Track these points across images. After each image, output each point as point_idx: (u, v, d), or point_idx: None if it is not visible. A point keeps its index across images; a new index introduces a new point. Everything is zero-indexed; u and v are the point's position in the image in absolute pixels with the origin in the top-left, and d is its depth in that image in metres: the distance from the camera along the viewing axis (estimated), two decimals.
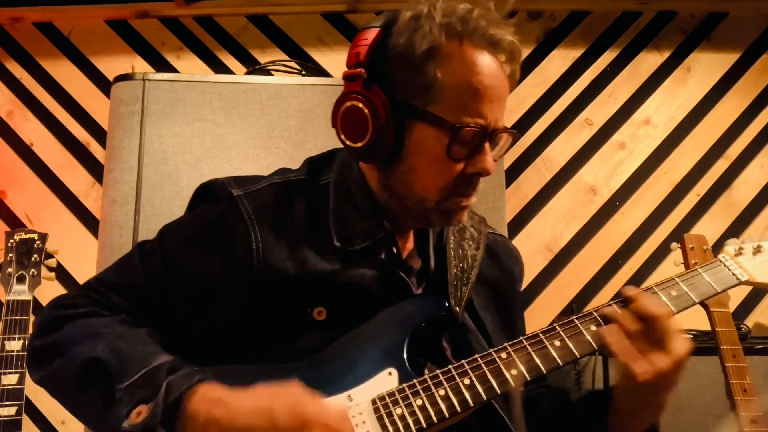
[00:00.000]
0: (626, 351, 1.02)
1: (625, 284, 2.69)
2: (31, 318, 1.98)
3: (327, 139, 2.04)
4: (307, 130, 2.05)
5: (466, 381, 1.02)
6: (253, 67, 2.65)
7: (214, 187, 1.18)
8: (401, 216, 1.17)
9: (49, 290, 2.49)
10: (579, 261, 2.73)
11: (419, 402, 0.99)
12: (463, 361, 1.04)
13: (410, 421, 0.98)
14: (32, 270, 2.04)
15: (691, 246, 1.82)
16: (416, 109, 1.06)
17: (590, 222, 2.75)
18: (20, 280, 2.01)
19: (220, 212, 1.13)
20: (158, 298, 1.11)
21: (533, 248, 2.70)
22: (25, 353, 1.15)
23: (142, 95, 2.01)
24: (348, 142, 1.12)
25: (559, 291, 2.69)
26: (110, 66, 2.80)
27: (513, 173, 2.75)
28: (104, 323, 1.06)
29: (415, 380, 1.02)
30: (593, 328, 1.07)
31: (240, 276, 1.09)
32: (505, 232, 2.13)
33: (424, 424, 0.97)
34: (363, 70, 1.07)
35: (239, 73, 2.75)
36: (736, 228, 2.71)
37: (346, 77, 1.11)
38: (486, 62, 1.06)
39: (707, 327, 1.82)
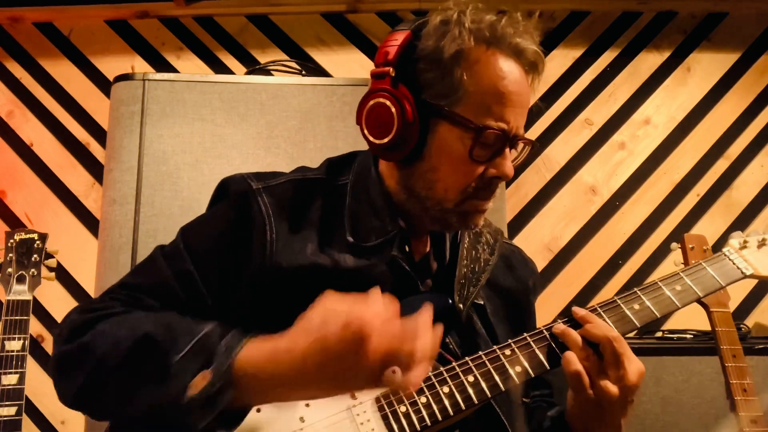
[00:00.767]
0: (577, 381, 1.03)
1: (625, 284, 2.70)
2: (31, 318, 1.97)
3: (327, 139, 2.05)
4: (307, 130, 2.05)
5: (470, 378, 1.02)
6: (253, 67, 2.65)
7: (234, 182, 1.18)
8: (418, 217, 1.18)
9: (49, 290, 2.50)
10: (579, 261, 2.73)
11: (423, 400, 1.00)
12: (467, 359, 1.05)
13: (414, 419, 0.98)
14: (32, 270, 2.03)
15: (691, 246, 1.82)
16: (442, 110, 1.08)
17: (590, 222, 2.75)
18: (20, 280, 2.01)
19: (240, 205, 1.14)
20: (188, 295, 1.10)
21: (533, 248, 2.70)
22: (51, 366, 1.04)
23: (142, 95, 2.01)
24: (372, 138, 1.13)
25: (559, 291, 2.69)
26: (110, 66, 2.80)
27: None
28: (141, 316, 1.03)
29: None
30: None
31: (253, 269, 1.09)
32: (505, 232, 2.13)
33: (428, 422, 0.98)
34: (391, 69, 1.10)
35: (239, 73, 2.75)
36: (736, 228, 2.66)
37: (374, 75, 1.13)
38: (511, 69, 1.09)
39: (707, 327, 1.81)
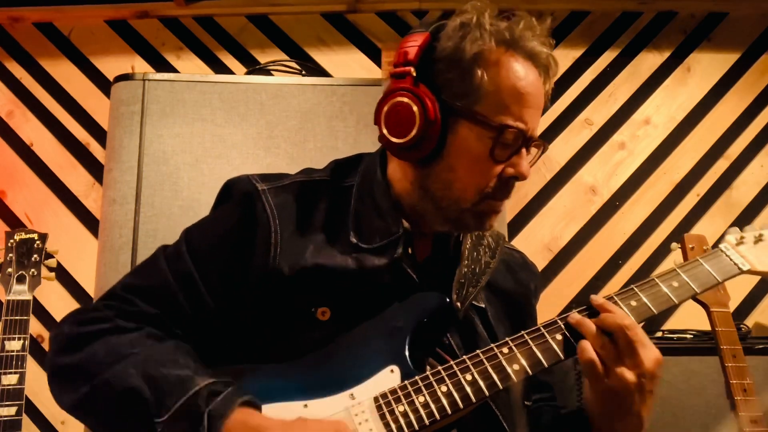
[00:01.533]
0: (592, 369, 1.03)
1: (625, 284, 2.69)
2: (31, 318, 1.97)
3: (327, 139, 2.05)
4: (307, 130, 2.05)
5: (468, 377, 1.02)
6: (253, 67, 2.65)
7: (239, 183, 1.19)
8: (428, 218, 1.18)
9: (49, 290, 2.51)
10: (579, 261, 2.73)
11: (421, 399, 0.99)
12: (464, 357, 1.05)
13: (413, 418, 0.98)
14: (32, 270, 2.03)
15: (691, 246, 1.82)
16: (462, 109, 1.09)
17: (590, 222, 2.75)
18: (20, 280, 2.01)
19: (245, 206, 1.14)
20: (188, 298, 1.10)
21: (533, 248, 2.70)
22: (47, 371, 1.09)
23: (142, 95, 2.01)
24: (391, 137, 1.13)
25: (559, 291, 2.69)
26: (110, 66, 2.80)
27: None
28: (131, 342, 1.04)
29: (417, 377, 1.02)
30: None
31: (257, 269, 1.10)
32: (505, 232, 2.13)
33: (426, 421, 0.98)
34: (413, 69, 1.10)
35: (239, 73, 2.75)
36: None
37: (394, 75, 1.13)
38: (528, 71, 1.11)
39: (707, 327, 1.81)
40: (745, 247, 1.23)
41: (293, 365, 1.06)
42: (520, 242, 2.68)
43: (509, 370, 1.03)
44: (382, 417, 0.98)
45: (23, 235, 2.07)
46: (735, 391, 1.69)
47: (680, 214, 2.74)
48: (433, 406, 0.99)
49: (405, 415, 0.98)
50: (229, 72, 2.80)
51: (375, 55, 2.84)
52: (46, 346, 2.62)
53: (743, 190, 2.76)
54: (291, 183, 1.19)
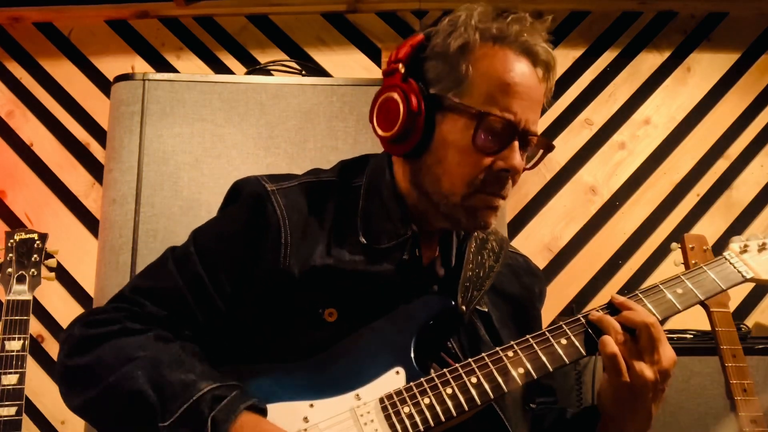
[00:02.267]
0: (614, 364, 1.05)
1: (625, 284, 2.70)
2: (31, 318, 1.97)
3: (327, 139, 2.05)
4: (307, 130, 2.05)
5: (473, 379, 1.03)
6: (253, 67, 2.65)
7: (248, 184, 1.19)
8: (429, 217, 1.18)
9: (49, 290, 2.51)
10: (579, 261, 2.73)
11: (427, 400, 1.00)
12: (470, 360, 1.05)
13: (418, 419, 0.98)
14: (32, 270, 2.03)
15: (691, 246, 1.82)
16: (447, 101, 1.10)
17: (590, 222, 2.75)
18: (20, 280, 2.01)
19: (254, 206, 1.14)
20: (197, 299, 1.10)
21: (533, 248, 2.70)
22: (57, 374, 1.11)
23: (142, 95, 2.01)
24: (380, 131, 1.15)
25: (559, 291, 2.69)
26: (110, 66, 2.80)
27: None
28: (138, 344, 1.04)
29: (422, 379, 1.03)
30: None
31: (266, 270, 1.10)
32: (505, 232, 2.13)
33: (431, 423, 0.98)
34: (401, 65, 1.12)
35: (239, 73, 2.75)
36: (736, 228, 2.71)
37: (385, 73, 1.16)
38: (517, 62, 1.11)
39: (707, 327, 1.82)
40: (748, 255, 1.24)
41: (299, 365, 1.06)
42: (520, 242, 2.68)
43: (514, 373, 1.03)
44: (388, 418, 0.98)
45: (23, 235, 2.07)
46: (735, 391, 1.69)
47: (680, 214, 2.75)
48: (438, 408, 0.99)
49: (410, 416, 0.98)
50: (229, 72, 2.80)
51: (375, 55, 2.84)
52: (46, 346, 2.62)
53: (743, 190, 2.76)
54: (299, 184, 1.19)
